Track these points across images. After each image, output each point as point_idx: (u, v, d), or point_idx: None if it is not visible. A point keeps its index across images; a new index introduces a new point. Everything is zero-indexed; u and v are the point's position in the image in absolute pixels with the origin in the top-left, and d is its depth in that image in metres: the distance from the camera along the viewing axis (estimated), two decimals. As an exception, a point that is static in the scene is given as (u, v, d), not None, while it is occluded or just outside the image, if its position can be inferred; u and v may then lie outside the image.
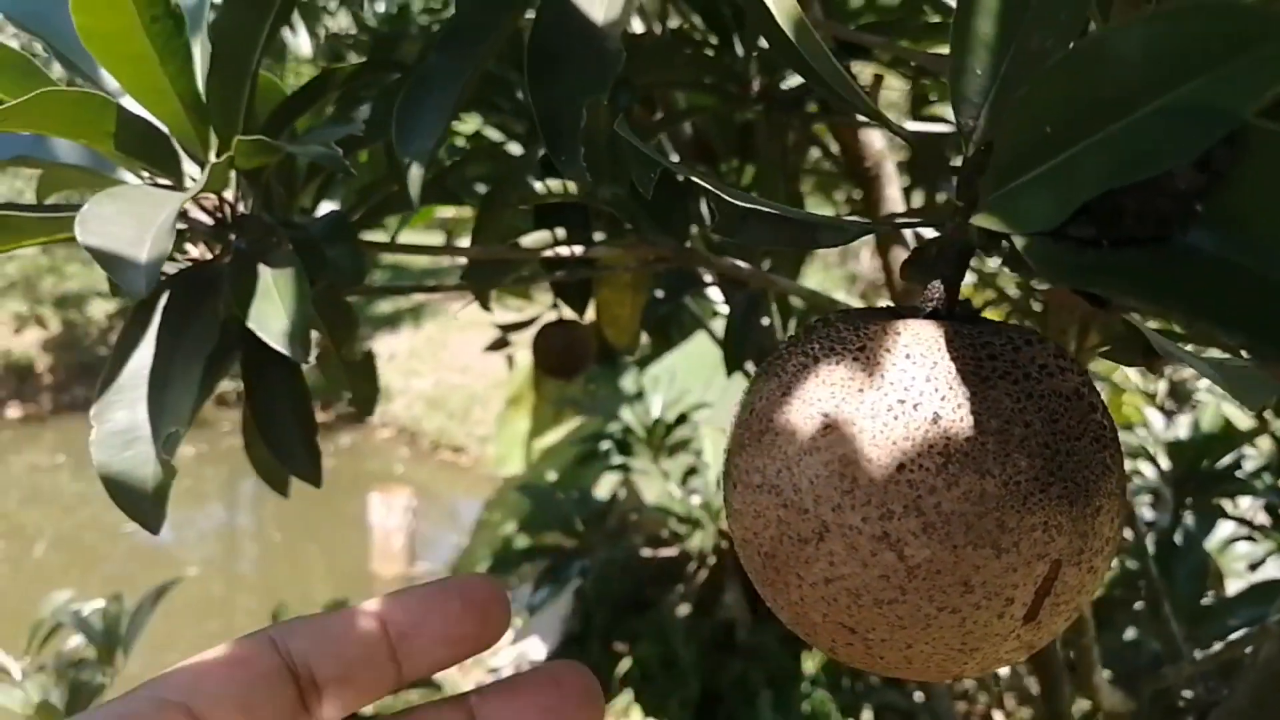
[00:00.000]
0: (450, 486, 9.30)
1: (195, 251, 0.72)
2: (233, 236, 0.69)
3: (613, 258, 0.80)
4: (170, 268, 0.68)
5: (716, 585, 3.84)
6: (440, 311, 11.61)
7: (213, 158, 0.64)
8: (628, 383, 2.47)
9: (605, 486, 2.90)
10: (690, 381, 2.57)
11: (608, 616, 3.67)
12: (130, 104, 0.64)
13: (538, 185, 0.73)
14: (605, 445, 2.30)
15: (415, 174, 0.53)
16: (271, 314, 0.59)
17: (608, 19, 0.52)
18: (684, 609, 2.42)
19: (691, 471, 2.39)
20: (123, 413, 0.60)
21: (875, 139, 1.00)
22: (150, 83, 0.59)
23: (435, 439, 9.81)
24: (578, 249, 0.77)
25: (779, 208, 0.36)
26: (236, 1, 0.58)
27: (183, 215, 0.70)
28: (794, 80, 0.96)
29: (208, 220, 0.69)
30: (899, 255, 1.01)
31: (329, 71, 0.67)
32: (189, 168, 0.66)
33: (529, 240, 0.77)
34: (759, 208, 0.35)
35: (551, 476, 3.15)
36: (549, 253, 0.76)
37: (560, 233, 0.79)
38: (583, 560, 2.21)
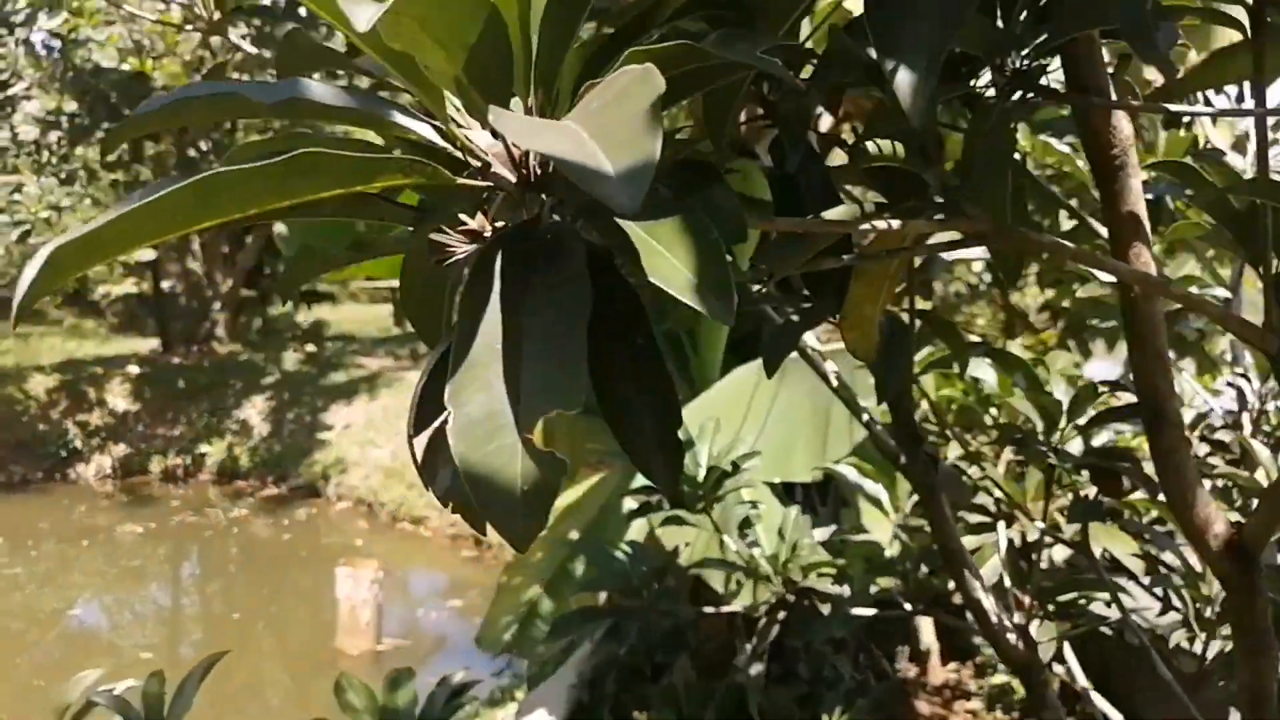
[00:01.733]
0: (411, 559, 9.00)
1: (474, 223, 0.61)
2: (544, 196, 0.57)
3: (908, 231, 0.69)
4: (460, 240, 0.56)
5: (728, 648, 3.69)
6: (396, 380, 11.38)
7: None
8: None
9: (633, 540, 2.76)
10: (729, 428, 2.47)
11: (617, 685, 3.50)
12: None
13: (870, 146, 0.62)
14: (655, 497, 2.16)
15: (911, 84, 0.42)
16: (669, 269, 0.48)
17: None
18: (756, 666, 2.27)
19: (746, 523, 2.27)
20: (480, 396, 0.47)
21: (1124, 123, 0.91)
22: None
23: (394, 510, 9.53)
24: (894, 222, 0.66)
25: None
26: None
27: (484, 171, 0.58)
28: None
29: (511, 177, 0.58)
30: None
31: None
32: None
33: (834, 214, 0.67)
34: None
35: (573, 535, 3.00)
36: (865, 225, 0.65)
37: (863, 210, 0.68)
38: (642, 620, 2.07)
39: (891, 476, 2.37)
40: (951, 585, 1.79)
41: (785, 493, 3.05)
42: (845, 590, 1.95)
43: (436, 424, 0.57)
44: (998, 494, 1.64)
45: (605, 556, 2.13)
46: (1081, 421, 1.26)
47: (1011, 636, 1.47)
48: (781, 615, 2.13)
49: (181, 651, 7.55)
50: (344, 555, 7.44)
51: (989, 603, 1.45)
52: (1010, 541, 1.63)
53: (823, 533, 2.24)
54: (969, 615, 1.55)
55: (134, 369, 12.03)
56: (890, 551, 2.26)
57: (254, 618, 7.67)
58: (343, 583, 6.82)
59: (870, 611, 1.96)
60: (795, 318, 1.29)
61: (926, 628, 4.45)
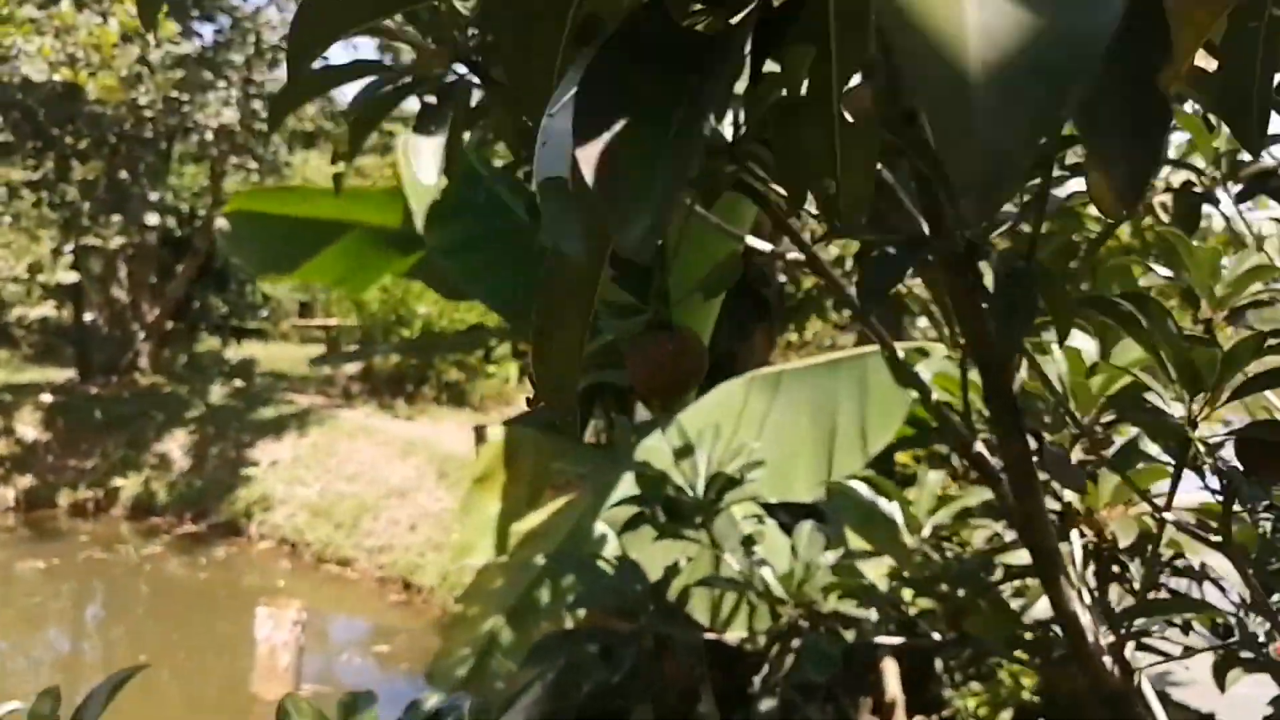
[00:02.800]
0: (336, 602, 8.52)
1: None
2: None
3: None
4: None
5: (690, 692, 3.41)
6: (328, 417, 10.93)
7: None
8: (672, 436, 2.10)
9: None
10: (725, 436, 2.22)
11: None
12: None
13: None
14: (649, 509, 1.90)
15: None
16: None
17: None
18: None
19: (749, 540, 2.02)
20: None
21: None
22: None
23: (320, 551, 9.05)
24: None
25: None
26: None
27: None
28: None
29: None
30: None
31: None
32: None
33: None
34: None
35: (540, 561, 2.70)
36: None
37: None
38: (638, 644, 1.79)
39: (904, 499, 2.14)
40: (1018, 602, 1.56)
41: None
42: (872, 614, 1.71)
43: (622, 124, 0.32)
44: (1067, 497, 1.42)
45: (592, 571, 1.86)
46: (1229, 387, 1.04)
47: (1107, 660, 1.24)
48: (796, 643, 1.88)
49: (80, 699, 6.97)
50: (264, 596, 6.95)
51: (1086, 618, 1.21)
52: (1085, 550, 1.40)
53: (830, 556, 2.00)
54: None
55: (47, 397, 11.41)
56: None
57: (163, 660, 7.15)
58: (262, 623, 6.38)
59: (897, 640, 1.72)
60: (892, 251, 1.06)
61: (893, 676, 4.22)
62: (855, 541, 2.66)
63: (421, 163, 1.09)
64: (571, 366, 0.48)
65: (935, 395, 1.44)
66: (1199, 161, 2.04)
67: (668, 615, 1.80)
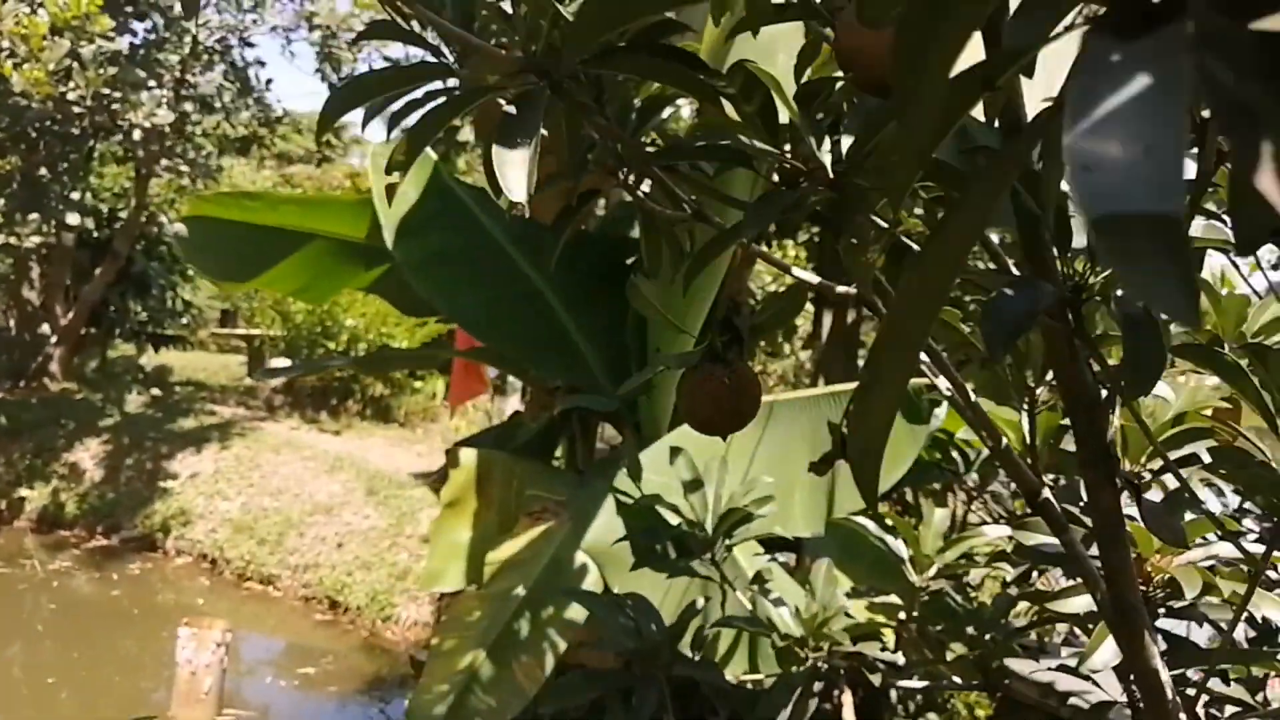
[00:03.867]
0: (258, 621, 8.22)
1: None
2: None
3: None
4: None
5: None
6: (250, 430, 10.60)
7: None
8: (681, 468, 2.03)
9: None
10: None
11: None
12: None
13: None
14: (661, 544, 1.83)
15: None
16: None
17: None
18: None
19: (759, 577, 1.96)
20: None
21: None
22: None
23: (241, 568, 8.73)
24: None
25: None
26: None
27: None
28: None
29: None
30: None
31: None
32: None
33: None
34: None
35: (520, 592, 2.60)
36: None
37: None
38: (657, 688, 1.71)
39: (913, 535, 2.11)
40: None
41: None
42: (899, 658, 1.67)
43: None
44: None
45: (609, 609, 1.77)
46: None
47: (1184, 718, 1.21)
48: (818, 687, 1.83)
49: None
50: (182, 615, 6.66)
51: (1165, 675, 1.18)
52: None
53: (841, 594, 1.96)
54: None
55: (-53, 401, 10.87)
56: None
57: (71, 683, 6.81)
58: (184, 645, 6.10)
59: (921, 684, 1.68)
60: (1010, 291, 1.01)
61: (848, 707, 4.19)
62: (842, 580, 2.62)
63: (510, 178, 1.02)
64: (884, 430, 0.42)
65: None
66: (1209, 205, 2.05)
67: (690, 657, 1.73)
